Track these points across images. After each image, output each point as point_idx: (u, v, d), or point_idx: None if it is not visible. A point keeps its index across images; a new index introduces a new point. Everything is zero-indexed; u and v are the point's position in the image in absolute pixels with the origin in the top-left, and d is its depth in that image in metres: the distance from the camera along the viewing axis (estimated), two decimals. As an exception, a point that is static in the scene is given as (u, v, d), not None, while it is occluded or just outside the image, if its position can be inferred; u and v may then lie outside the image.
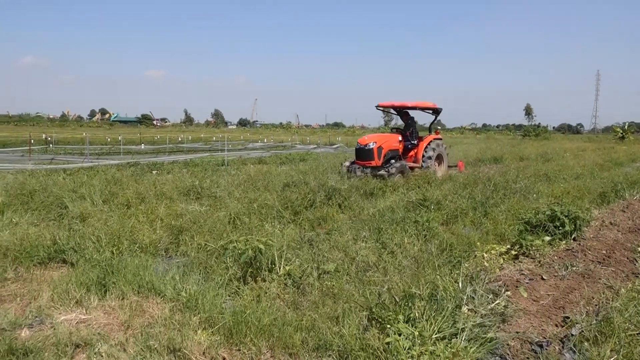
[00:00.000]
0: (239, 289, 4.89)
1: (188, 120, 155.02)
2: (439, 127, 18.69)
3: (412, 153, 14.57)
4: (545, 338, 3.88)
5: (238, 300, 4.63)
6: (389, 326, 3.66)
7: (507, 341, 3.79)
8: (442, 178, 12.66)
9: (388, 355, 3.41)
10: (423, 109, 15.34)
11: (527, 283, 5.14)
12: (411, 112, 15.13)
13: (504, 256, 5.92)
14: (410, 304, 3.99)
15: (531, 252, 6.13)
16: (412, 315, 3.81)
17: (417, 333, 3.54)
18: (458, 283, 4.65)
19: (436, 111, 15.47)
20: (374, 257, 5.73)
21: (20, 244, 6.12)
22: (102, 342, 3.83)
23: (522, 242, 6.30)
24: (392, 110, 15.92)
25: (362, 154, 13.38)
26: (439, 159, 14.95)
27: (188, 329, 3.97)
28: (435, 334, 3.59)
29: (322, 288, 4.87)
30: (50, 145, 32.02)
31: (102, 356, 3.66)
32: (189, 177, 11.95)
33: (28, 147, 25.10)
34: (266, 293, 4.65)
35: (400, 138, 14.13)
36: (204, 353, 3.74)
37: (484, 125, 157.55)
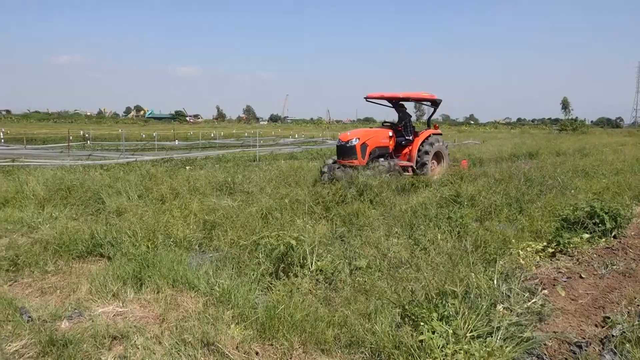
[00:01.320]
0: (271, 284, 4.91)
1: (220, 116, 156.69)
2: (442, 121, 18.22)
3: (406, 150, 13.05)
4: (584, 338, 3.78)
5: (270, 295, 4.65)
6: (422, 324, 3.62)
7: (544, 341, 3.70)
8: (440, 180, 11.25)
9: (421, 353, 3.37)
10: (418, 100, 14.04)
11: (564, 282, 5.01)
12: (407, 105, 13.82)
13: (540, 254, 5.79)
14: (444, 302, 3.94)
15: (569, 249, 5.98)
16: (446, 313, 3.75)
17: (452, 331, 3.49)
18: (493, 281, 4.57)
19: (434, 103, 13.83)
20: (406, 254, 5.68)
21: (60, 237, 6.30)
22: (138, 335, 3.91)
23: (560, 240, 6.15)
24: (384, 103, 13.94)
25: (344, 151, 11.78)
26: (438, 157, 13.46)
27: (221, 324, 4.01)
28: (470, 332, 3.53)
29: (354, 284, 4.86)
30: (88, 142, 32.86)
31: (138, 348, 3.73)
32: (221, 172, 12.08)
33: (67, 144, 25.81)
34: (298, 289, 4.65)
35: (390, 134, 12.58)
36: (237, 347, 3.78)
37: (519, 119, 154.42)
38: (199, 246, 6.38)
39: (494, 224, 7.07)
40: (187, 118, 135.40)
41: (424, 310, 3.81)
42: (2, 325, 3.99)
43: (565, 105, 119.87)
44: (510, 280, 4.61)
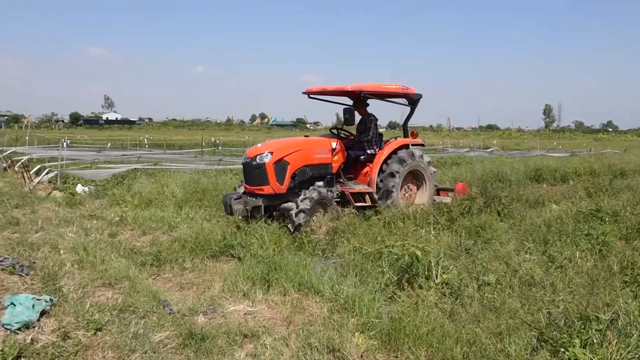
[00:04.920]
0: (394, 294, 4.85)
1: (339, 123, 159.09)
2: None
3: (366, 170, 8.80)
4: None
5: (394, 305, 4.59)
6: (562, 350, 3.34)
7: None
8: (422, 211, 7.98)
9: (562, 382, 3.10)
10: (383, 95, 8.95)
11: None
12: (373, 105, 9.23)
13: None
14: (587, 328, 3.59)
15: None
16: (590, 340, 3.42)
17: (597, 360, 3.17)
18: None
19: (411, 100, 9.25)
20: (540, 271, 5.29)
21: (196, 237, 6.78)
22: (267, 335, 4.06)
23: None
24: (334, 101, 9.67)
25: (250, 173, 7.73)
26: (417, 179, 9.10)
27: (346, 331, 4.03)
28: (619, 364, 3.18)
29: (482, 300, 4.62)
30: (219, 148, 35.13)
31: (267, 348, 3.87)
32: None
33: (200, 149, 27.82)
34: (423, 301, 4.54)
35: (335, 144, 8.30)
36: (361, 356, 3.77)
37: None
38: (322, 252, 6.50)
39: (643, 244, 6.34)
40: (308, 125, 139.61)
41: (565, 336, 3.50)
42: (148, 316, 4.37)
43: None
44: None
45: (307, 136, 8.87)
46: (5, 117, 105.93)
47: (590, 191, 10.24)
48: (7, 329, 3.83)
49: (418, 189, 9.17)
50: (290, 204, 7.42)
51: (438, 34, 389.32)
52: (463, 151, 33.22)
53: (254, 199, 7.52)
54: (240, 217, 7.42)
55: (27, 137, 23.70)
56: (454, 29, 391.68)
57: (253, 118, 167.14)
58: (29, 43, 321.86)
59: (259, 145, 8.01)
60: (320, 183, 7.96)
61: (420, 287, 4.81)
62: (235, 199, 7.53)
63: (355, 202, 8.01)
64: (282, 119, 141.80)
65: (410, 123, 9.57)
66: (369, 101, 9.06)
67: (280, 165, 7.57)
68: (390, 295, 4.87)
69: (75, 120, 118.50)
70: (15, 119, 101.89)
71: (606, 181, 11.12)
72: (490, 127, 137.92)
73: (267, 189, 7.49)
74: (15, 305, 4.04)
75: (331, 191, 7.96)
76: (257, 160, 7.52)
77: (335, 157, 8.32)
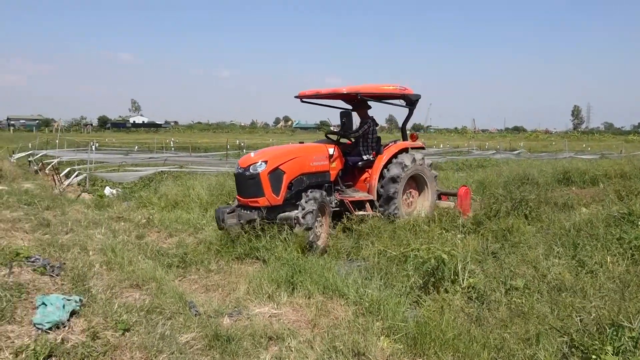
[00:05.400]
0: (420, 298, 4.81)
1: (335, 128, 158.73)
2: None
3: (365, 176, 8.36)
4: None
5: (419, 309, 4.55)
6: (594, 357, 3.26)
7: None
8: (425, 218, 7.73)
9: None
10: (380, 97, 8.44)
11: None
12: (373, 106, 8.69)
13: None
14: (619, 334, 3.50)
15: None
16: (623, 347, 3.33)
17: (630, 368, 3.08)
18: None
19: (409, 101, 8.80)
20: (570, 276, 5.18)
21: (221, 239, 6.84)
22: (291, 338, 4.05)
23: None
24: (330, 105, 9.14)
25: (243, 184, 7.12)
26: (418, 185, 8.70)
27: (371, 334, 4.01)
28: (654, 372, 3.09)
29: (509, 305, 4.54)
30: (244, 150, 35.44)
31: (292, 351, 3.87)
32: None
33: (225, 152, 28.10)
34: (449, 305, 4.48)
35: (332, 151, 7.81)
36: (387, 360, 3.74)
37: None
38: (347, 255, 6.48)
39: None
40: (332, 127, 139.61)
41: (596, 342, 3.42)
42: (175, 317, 4.41)
43: None
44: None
45: (303, 142, 8.48)
46: (37, 121, 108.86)
47: (622, 194, 9.97)
48: (38, 329, 3.91)
49: (419, 194, 8.74)
50: (289, 213, 6.91)
51: (464, 34, 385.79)
52: (489, 153, 32.80)
53: (248, 212, 7.00)
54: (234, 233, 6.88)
55: (57, 141, 24.30)
56: (480, 30, 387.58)
57: (277, 121, 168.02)
58: (60, 49, 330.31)
59: (252, 154, 7.35)
60: (313, 192, 7.22)
61: (446, 291, 4.75)
62: (228, 213, 7.08)
63: (356, 211, 7.55)
64: (306, 121, 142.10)
65: (434, 125, 9.47)
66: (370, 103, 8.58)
67: (276, 174, 6.99)
68: (415, 299, 4.83)
69: (103, 123, 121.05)
70: (46, 123, 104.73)
71: (638, 184, 10.82)
72: (517, 129, 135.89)
73: (262, 201, 6.89)
74: (46, 305, 4.12)
75: (329, 200, 7.43)
76: (251, 170, 6.93)
77: (333, 164, 7.79)
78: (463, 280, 4.89)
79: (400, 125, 9.40)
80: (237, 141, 45.26)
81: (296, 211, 6.83)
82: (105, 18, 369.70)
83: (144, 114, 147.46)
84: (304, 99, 8.54)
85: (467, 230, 7.21)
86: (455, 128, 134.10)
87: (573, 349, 3.55)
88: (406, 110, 8.93)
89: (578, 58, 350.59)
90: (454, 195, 9.09)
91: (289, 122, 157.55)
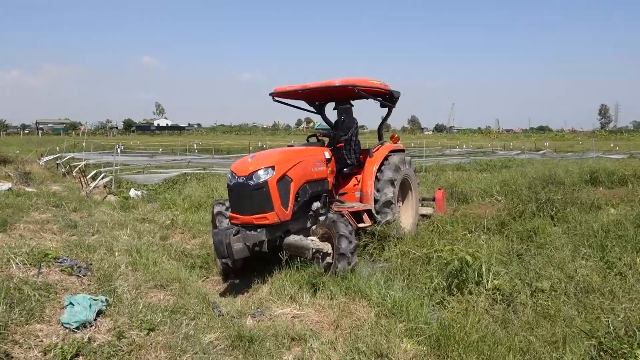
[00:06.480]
0: (443, 299, 4.76)
1: (385, 127, 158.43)
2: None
3: (352, 183, 7.32)
4: None
5: (443, 311, 4.50)
6: (623, 360, 3.18)
7: None
8: (410, 230, 7.22)
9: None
10: (372, 93, 7.28)
11: None
12: (354, 104, 7.74)
13: None
14: (650, 337, 3.41)
15: None
16: (653, 351, 3.25)
17: (662, 373, 3.00)
18: None
19: (391, 98, 7.76)
20: (598, 278, 5.07)
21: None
22: (314, 339, 4.06)
23: None
24: (304, 104, 8.31)
25: (244, 197, 5.66)
26: (402, 189, 7.71)
27: (394, 336, 3.99)
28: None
29: (535, 307, 4.47)
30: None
31: (314, 352, 3.87)
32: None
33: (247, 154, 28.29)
34: (473, 307, 4.43)
35: (327, 154, 6.62)
36: (410, 362, 3.71)
37: None
38: (369, 255, 6.45)
39: None
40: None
41: (625, 346, 3.34)
42: (199, 318, 4.46)
43: None
44: None
45: (291, 145, 7.32)
46: (64, 125, 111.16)
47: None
48: (66, 328, 3.98)
49: (403, 200, 7.92)
50: (305, 241, 5.67)
51: (492, 34, 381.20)
52: (513, 154, 32.30)
53: (253, 232, 5.55)
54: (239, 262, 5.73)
55: (84, 144, 24.75)
56: (505, 29, 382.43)
57: (299, 123, 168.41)
58: (83, 53, 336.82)
59: (249, 159, 5.92)
60: (318, 204, 6.36)
61: (471, 293, 4.70)
62: (234, 236, 5.44)
63: (358, 224, 6.49)
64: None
65: (457, 125, 9.28)
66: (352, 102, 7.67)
67: (284, 183, 5.72)
68: (439, 300, 4.78)
69: (128, 126, 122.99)
70: (73, 127, 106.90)
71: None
72: (542, 129, 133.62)
73: (271, 217, 5.52)
74: (73, 305, 4.20)
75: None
76: (255, 179, 5.56)
77: (329, 170, 6.61)
78: (487, 281, 4.82)
79: (421, 125, 9.23)
80: (260, 143, 45.44)
81: (312, 240, 5.69)
82: (130, 22, 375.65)
83: (168, 116, 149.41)
84: (275, 98, 7.55)
85: (491, 232, 7.11)
86: (479, 128, 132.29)
87: (601, 353, 3.48)
88: (384, 110, 8.01)
89: (606, 56, 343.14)
90: (432, 200, 8.78)
91: (311, 124, 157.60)
